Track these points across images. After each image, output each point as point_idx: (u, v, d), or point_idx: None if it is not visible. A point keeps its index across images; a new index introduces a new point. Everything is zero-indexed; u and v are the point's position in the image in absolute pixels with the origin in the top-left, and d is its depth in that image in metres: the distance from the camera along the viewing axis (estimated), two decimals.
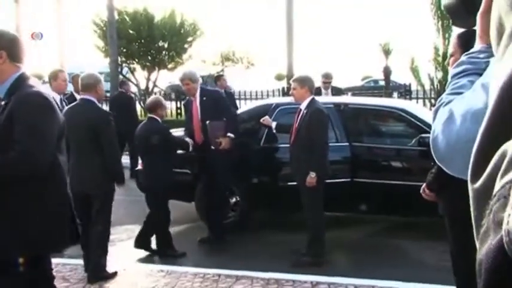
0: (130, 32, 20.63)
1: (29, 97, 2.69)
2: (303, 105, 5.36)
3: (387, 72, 22.18)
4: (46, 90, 2.89)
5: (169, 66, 21.82)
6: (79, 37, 30.80)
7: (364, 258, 5.49)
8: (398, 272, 4.91)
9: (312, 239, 5.30)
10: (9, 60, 2.77)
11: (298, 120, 5.34)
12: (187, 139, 6.05)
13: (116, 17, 19.20)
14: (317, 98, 5.89)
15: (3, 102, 2.73)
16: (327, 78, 9.12)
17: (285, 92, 16.59)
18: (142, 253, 5.71)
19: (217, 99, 6.18)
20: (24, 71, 2.83)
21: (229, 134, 5.98)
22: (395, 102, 8.54)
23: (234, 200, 6.55)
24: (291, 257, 5.37)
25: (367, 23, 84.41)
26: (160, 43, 21.17)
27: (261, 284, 4.59)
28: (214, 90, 6.36)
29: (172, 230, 5.98)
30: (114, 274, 4.88)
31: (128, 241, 6.07)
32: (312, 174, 5.11)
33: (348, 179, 6.14)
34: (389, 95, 19.15)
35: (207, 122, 5.94)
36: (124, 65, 21.15)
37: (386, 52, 22.71)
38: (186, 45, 21.88)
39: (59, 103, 6.33)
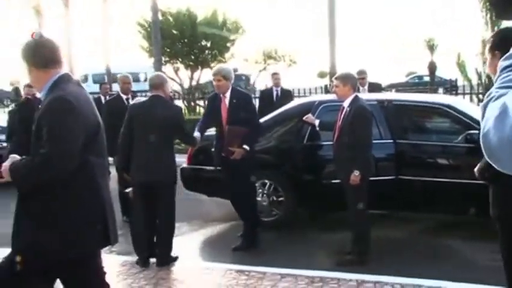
0: (174, 32, 20.91)
1: (51, 102, 2.69)
2: (346, 103, 5.33)
3: (432, 67, 21.80)
4: (78, 90, 2.82)
5: (212, 65, 21.98)
6: (124, 38, 31.32)
7: (410, 256, 5.42)
8: (445, 271, 4.83)
9: (356, 237, 5.27)
10: (35, 69, 2.79)
11: (342, 118, 5.31)
12: (196, 133, 5.82)
13: (160, 17, 19.49)
14: (360, 95, 5.85)
15: (40, 105, 2.80)
16: (361, 74, 9.11)
17: (328, 90, 16.51)
18: (188, 250, 5.79)
19: (247, 104, 5.88)
20: (63, 73, 2.81)
21: (244, 146, 5.62)
22: (441, 98, 8.39)
23: (278, 198, 6.56)
24: (336, 255, 5.36)
25: (411, 19, 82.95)
26: (203, 42, 21.40)
27: (306, 282, 4.59)
28: (245, 94, 6.12)
29: (217, 227, 6.06)
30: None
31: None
32: (356, 173, 5.08)
33: (393, 177, 6.07)
34: (435, 91, 18.81)
35: (227, 126, 5.66)
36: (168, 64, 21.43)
37: (432, 48, 22.30)
38: (228, 44, 22.03)
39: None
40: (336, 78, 5.50)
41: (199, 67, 21.70)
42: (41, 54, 2.80)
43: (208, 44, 21.50)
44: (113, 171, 5.35)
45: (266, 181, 6.59)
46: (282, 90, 10.37)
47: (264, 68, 26.59)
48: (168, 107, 5.32)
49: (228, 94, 5.70)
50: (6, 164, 2.72)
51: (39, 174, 2.64)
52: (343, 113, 5.32)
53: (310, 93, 16.80)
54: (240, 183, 5.72)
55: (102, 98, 10.50)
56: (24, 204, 2.75)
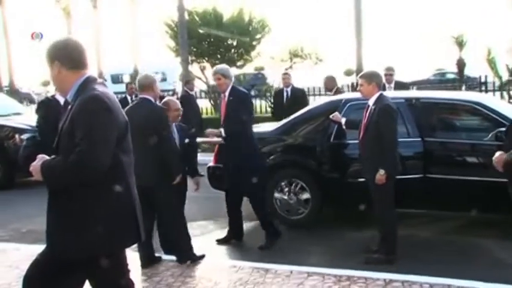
0: (200, 31, 21.01)
1: (86, 101, 2.71)
2: (371, 101, 5.29)
3: (461, 64, 21.46)
4: (106, 90, 2.86)
5: (238, 63, 22.06)
6: (151, 38, 31.66)
7: (438, 256, 5.35)
8: (475, 270, 4.76)
9: (383, 236, 5.23)
10: (65, 69, 2.82)
11: (367, 117, 5.28)
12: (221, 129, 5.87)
13: (186, 17, 19.62)
14: (386, 93, 5.79)
15: (70, 106, 2.80)
16: (388, 71, 9.05)
17: (355, 88, 16.40)
18: (214, 248, 5.83)
19: (242, 101, 5.89)
20: (89, 74, 2.86)
21: (217, 139, 5.93)
22: (470, 95, 8.24)
23: (305, 196, 6.55)
24: (363, 254, 5.33)
25: (439, 15, 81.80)
26: (229, 41, 21.44)
27: (333, 280, 4.58)
28: (243, 92, 6.12)
29: (246, 224, 6.09)
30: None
31: (200, 237, 6.21)
32: (381, 172, 5.04)
33: (421, 175, 6.01)
34: (459, 88, 18.54)
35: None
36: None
37: (460, 44, 21.98)
38: (254, 43, 22.03)
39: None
40: (360, 77, 5.47)
41: None
42: (71, 55, 2.82)
43: (234, 43, 21.53)
44: None
45: (293, 180, 6.59)
46: (293, 89, 10.36)
47: (290, 67, 26.53)
48: (152, 109, 5.16)
49: (227, 92, 5.82)
50: (36, 164, 2.75)
51: (75, 173, 2.65)
52: (369, 111, 5.29)
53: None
54: (245, 183, 5.76)
55: (129, 97, 10.66)
56: (58, 202, 2.78)
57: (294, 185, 6.57)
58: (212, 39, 21.09)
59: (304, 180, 6.55)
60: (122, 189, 2.80)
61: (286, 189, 6.57)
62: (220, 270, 5.03)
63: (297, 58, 27.30)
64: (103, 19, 31.44)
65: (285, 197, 6.55)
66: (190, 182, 5.49)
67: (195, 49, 20.82)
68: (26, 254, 5.67)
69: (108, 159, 2.69)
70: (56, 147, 2.81)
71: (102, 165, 2.66)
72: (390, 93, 6.35)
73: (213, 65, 21.88)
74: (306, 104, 9.54)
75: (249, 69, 25.41)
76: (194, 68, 21.55)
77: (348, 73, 38.13)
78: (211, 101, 19.43)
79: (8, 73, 34.22)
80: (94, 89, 2.77)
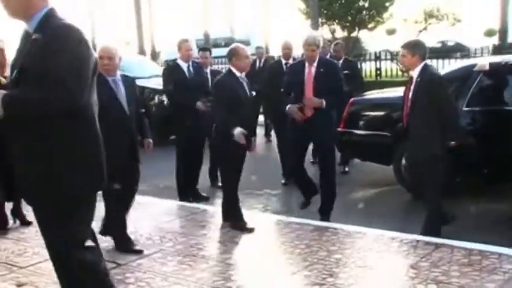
0: None
1: (60, 30, 2.47)
2: (415, 73, 4.91)
3: None
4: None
5: (370, 26, 21.46)
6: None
7: None
8: None
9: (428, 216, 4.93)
10: None
11: (412, 90, 4.89)
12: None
13: None
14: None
15: (34, 36, 2.51)
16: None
17: (497, 49, 15.28)
18: (339, 214, 5.80)
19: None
20: (50, 7, 2.57)
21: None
22: None
23: None
24: (498, 227, 5.04)
25: None
26: (361, 3, 20.89)
27: (463, 254, 4.37)
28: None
29: (370, 192, 6.01)
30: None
31: None
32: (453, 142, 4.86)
33: None
34: None
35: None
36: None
37: None
38: (387, 4, 21.26)
39: (186, 71, 6.62)
40: (403, 47, 5.04)
41: (356, 28, 21.26)
42: None
43: (366, 4, 20.93)
44: None
45: None
46: (345, 62, 8.50)
47: (425, 28, 25.31)
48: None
49: (315, 64, 5.52)
50: None
51: (51, 105, 2.42)
52: (413, 84, 4.90)
53: (475, 54, 15.67)
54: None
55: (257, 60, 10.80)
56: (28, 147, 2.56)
57: None
58: (343, 1, 20.66)
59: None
60: (92, 128, 2.65)
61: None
62: (345, 236, 5.01)
63: (432, 19, 25.95)
64: None
65: None
66: None
67: (325, 11, 20.55)
68: (163, 207, 6.11)
69: (86, 92, 2.50)
70: (16, 81, 2.55)
71: (80, 97, 2.46)
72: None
73: (343, 28, 21.53)
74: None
75: (380, 31, 24.59)
76: (324, 31, 21.33)
77: (490, 33, 35.45)
78: None
79: None
80: (62, 19, 2.53)
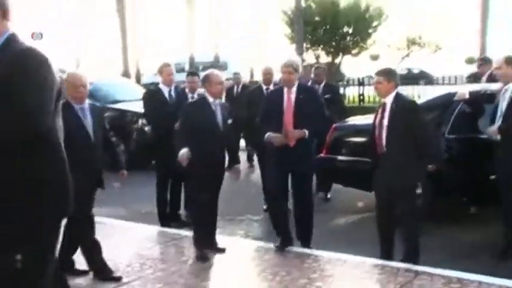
0: (316, 18, 20.93)
1: (26, 52, 2.40)
2: (389, 100, 4.90)
3: None
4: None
5: (353, 51, 21.74)
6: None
7: None
8: None
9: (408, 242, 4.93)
10: (1, 19, 2.48)
11: (388, 117, 4.86)
12: None
13: (303, 4, 19.63)
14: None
15: None
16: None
17: (473, 76, 15.57)
18: (323, 240, 5.79)
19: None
20: (11, 32, 2.51)
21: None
22: None
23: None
24: (478, 255, 5.06)
25: None
26: (345, 29, 21.19)
27: (442, 282, 4.38)
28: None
29: (351, 218, 6.02)
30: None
31: None
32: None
33: None
34: None
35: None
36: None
37: None
38: (370, 30, 21.59)
39: (167, 95, 6.63)
40: (378, 74, 5.02)
41: (340, 53, 21.52)
42: (5, 2, 2.51)
43: (350, 31, 21.23)
44: None
45: None
46: (326, 86, 8.32)
47: (407, 55, 25.69)
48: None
49: (294, 89, 5.45)
50: None
51: (11, 129, 2.31)
52: (388, 111, 4.88)
53: (455, 81, 15.96)
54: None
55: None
56: None
57: None
58: (328, 27, 20.94)
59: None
60: (57, 152, 2.55)
61: None
62: (326, 263, 4.99)
63: (415, 46, 26.38)
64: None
65: None
66: None
67: (310, 36, 20.81)
68: (144, 233, 6.05)
69: (48, 117, 2.40)
70: None
71: (42, 121, 2.37)
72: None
73: (327, 53, 21.76)
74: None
75: (364, 57, 24.90)
76: (309, 55, 21.55)
77: (470, 61, 36.08)
78: None
79: None
80: (24, 43, 2.47)
